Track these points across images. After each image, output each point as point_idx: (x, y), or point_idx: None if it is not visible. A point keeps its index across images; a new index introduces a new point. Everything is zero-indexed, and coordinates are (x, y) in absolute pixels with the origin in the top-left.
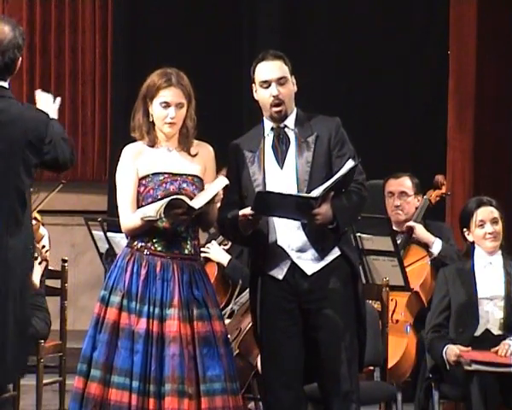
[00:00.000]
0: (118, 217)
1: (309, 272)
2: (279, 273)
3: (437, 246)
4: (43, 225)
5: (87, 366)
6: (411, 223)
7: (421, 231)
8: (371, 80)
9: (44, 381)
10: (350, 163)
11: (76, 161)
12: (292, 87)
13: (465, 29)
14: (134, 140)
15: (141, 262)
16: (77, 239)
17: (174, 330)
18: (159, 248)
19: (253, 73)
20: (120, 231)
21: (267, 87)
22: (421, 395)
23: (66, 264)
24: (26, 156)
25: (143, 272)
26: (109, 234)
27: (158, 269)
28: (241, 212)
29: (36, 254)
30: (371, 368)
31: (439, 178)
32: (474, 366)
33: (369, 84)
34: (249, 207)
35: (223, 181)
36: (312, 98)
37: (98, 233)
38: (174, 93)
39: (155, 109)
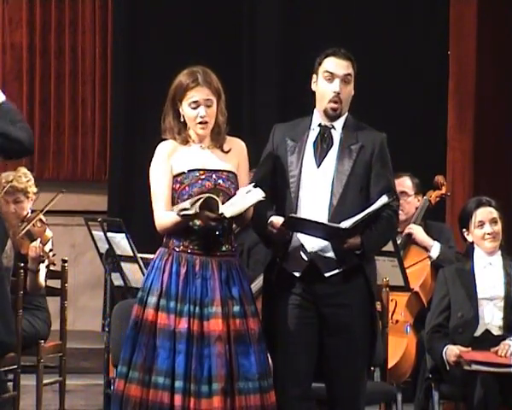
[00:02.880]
0: (118, 217)
1: (326, 274)
2: (297, 271)
3: (435, 250)
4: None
5: (127, 367)
6: (410, 228)
7: (420, 235)
8: (371, 80)
9: (44, 381)
10: (384, 198)
11: (76, 160)
12: (352, 90)
13: (465, 29)
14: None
15: (179, 261)
16: (77, 239)
17: (220, 328)
18: (196, 247)
19: (319, 64)
20: (120, 231)
21: (330, 80)
22: (421, 395)
23: (66, 264)
24: None
25: (183, 271)
26: (109, 234)
27: (197, 268)
28: (273, 220)
29: (43, 258)
30: (371, 368)
31: (439, 178)
32: (474, 367)
33: (369, 84)
34: (280, 219)
35: (259, 194)
36: (312, 98)
37: (98, 233)
38: (202, 92)
39: (186, 111)
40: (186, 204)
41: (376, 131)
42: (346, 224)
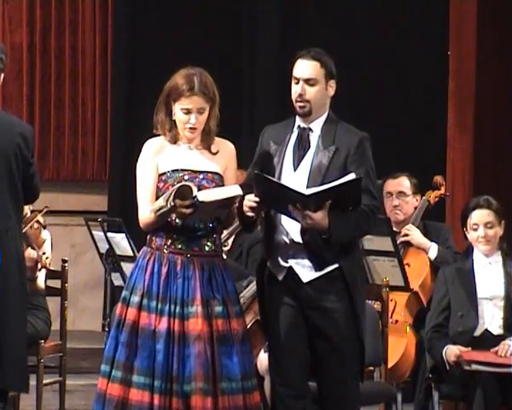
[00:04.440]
0: (118, 217)
1: (304, 280)
2: (279, 274)
3: (433, 251)
4: (44, 227)
5: (109, 366)
6: (406, 230)
7: (417, 238)
8: (371, 80)
9: (44, 381)
10: (351, 175)
11: (76, 161)
12: (323, 91)
13: (465, 29)
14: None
15: (161, 261)
16: (77, 239)
17: (198, 328)
18: (178, 246)
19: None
20: (120, 231)
21: (296, 83)
22: (421, 395)
23: (66, 264)
24: (17, 160)
25: (164, 270)
26: (109, 234)
27: (178, 267)
28: (247, 197)
29: (38, 264)
30: (371, 368)
31: (438, 178)
32: (474, 367)
33: (369, 84)
34: (253, 196)
35: (236, 190)
36: None
37: (98, 233)
38: (196, 101)
39: (177, 113)
40: (161, 202)
41: (356, 132)
42: (309, 191)
